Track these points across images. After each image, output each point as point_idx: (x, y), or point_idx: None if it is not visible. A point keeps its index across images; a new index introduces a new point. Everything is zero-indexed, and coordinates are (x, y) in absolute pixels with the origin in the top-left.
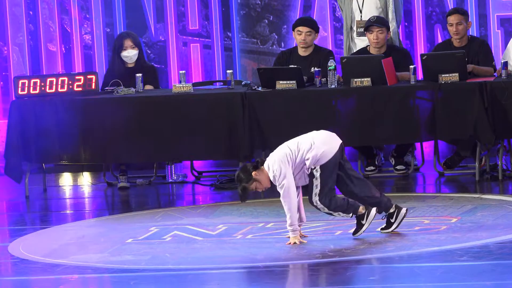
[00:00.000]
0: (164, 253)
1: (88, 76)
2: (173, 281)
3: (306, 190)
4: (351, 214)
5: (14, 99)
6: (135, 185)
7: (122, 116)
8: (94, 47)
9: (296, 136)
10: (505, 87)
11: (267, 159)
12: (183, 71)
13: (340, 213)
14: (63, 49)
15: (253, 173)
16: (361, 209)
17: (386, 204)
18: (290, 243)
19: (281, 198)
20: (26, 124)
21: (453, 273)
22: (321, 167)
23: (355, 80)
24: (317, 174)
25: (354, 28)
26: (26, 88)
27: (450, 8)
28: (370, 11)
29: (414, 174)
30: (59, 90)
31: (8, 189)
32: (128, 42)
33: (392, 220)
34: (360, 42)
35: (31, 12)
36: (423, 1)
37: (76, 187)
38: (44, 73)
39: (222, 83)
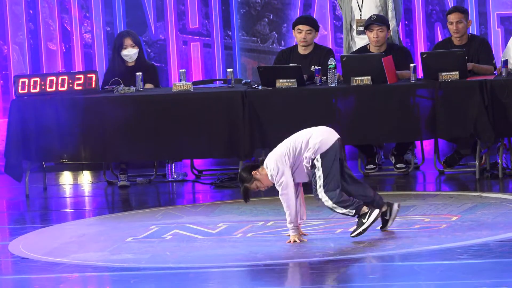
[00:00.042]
0: (164, 251)
1: (88, 75)
2: (173, 279)
3: (310, 188)
4: (354, 212)
5: (14, 98)
6: (135, 184)
7: (122, 115)
8: (94, 46)
9: None
10: (505, 85)
11: (266, 158)
12: (183, 70)
13: (343, 208)
14: (63, 48)
15: (253, 173)
16: (365, 208)
17: (378, 203)
18: (290, 241)
19: (279, 196)
20: (26, 123)
21: (453, 271)
22: (321, 155)
23: (355, 78)
24: (318, 164)
25: (354, 26)
26: (26, 87)
27: (450, 6)
28: (369, 9)
29: (414, 172)
30: (59, 89)
31: (8, 187)
32: (128, 41)
33: (387, 218)
34: (360, 41)
35: (31, 11)
36: (423, 0)
37: (76, 186)
38: (44, 72)
39: (222, 82)
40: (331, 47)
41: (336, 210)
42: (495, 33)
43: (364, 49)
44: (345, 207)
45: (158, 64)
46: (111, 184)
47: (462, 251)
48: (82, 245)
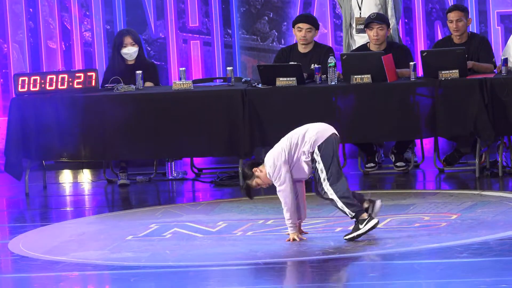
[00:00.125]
0: (164, 250)
1: (88, 73)
2: (173, 278)
3: (310, 187)
4: (353, 215)
5: (14, 96)
6: (135, 182)
7: (122, 113)
8: (94, 44)
9: None
10: (505, 83)
11: (265, 156)
12: (183, 68)
13: (344, 206)
14: (63, 46)
15: (254, 170)
16: (364, 215)
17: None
18: (289, 240)
19: (277, 193)
20: (26, 122)
21: (453, 270)
22: (318, 147)
23: (355, 77)
24: (318, 157)
25: (353, 25)
26: (26, 86)
27: (450, 4)
28: (369, 8)
29: (414, 170)
30: (59, 87)
31: (8, 186)
32: (128, 39)
33: (370, 212)
34: (360, 39)
35: (31, 10)
36: None
37: (76, 184)
38: (44, 71)
39: (222, 80)
40: (331, 46)
41: (338, 204)
42: (495, 31)
43: (364, 47)
44: (347, 206)
45: (158, 63)
46: (111, 182)
47: (462, 250)
48: (82, 243)
